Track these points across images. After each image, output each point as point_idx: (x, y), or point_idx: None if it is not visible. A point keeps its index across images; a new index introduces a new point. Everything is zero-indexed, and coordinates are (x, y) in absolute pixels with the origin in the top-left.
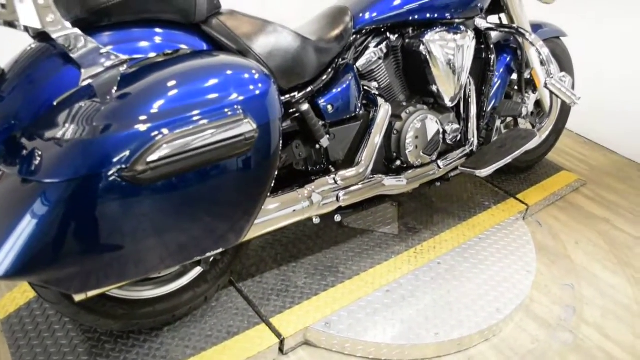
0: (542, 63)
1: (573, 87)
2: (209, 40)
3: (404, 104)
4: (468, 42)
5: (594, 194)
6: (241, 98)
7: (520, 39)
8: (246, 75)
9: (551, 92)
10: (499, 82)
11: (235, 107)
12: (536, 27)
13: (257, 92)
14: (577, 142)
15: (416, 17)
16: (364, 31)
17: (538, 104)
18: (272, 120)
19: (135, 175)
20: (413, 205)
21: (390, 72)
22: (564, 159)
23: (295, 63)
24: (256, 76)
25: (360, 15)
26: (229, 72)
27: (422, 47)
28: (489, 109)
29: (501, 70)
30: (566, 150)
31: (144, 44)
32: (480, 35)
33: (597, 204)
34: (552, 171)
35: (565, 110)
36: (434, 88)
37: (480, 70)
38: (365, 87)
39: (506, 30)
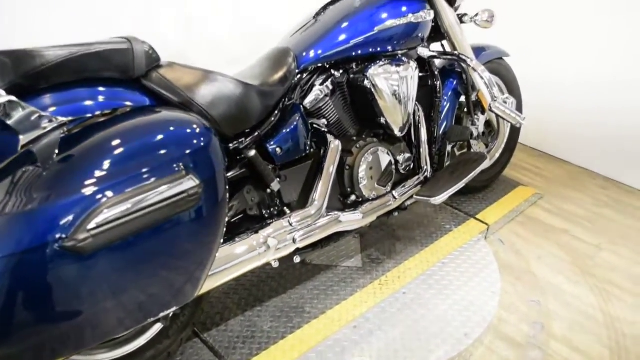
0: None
1: (520, 106)
2: (151, 94)
3: (355, 138)
4: (411, 72)
5: (551, 206)
6: (182, 154)
7: (463, 65)
8: (186, 131)
9: (496, 115)
10: (448, 106)
11: (177, 164)
12: (479, 50)
13: (198, 146)
14: (531, 156)
15: (359, 52)
16: (308, 70)
17: (489, 123)
18: (216, 172)
19: (76, 245)
20: (375, 236)
21: (338, 108)
22: (520, 173)
23: (239, 110)
24: (196, 130)
25: (303, 54)
26: (168, 129)
27: (366, 82)
28: (439, 135)
29: (449, 94)
30: (521, 164)
31: (84, 103)
32: (425, 63)
33: (555, 216)
34: (509, 187)
35: (515, 127)
36: (383, 120)
37: (428, 97)
38: (315, 125)
39: (448, 57)
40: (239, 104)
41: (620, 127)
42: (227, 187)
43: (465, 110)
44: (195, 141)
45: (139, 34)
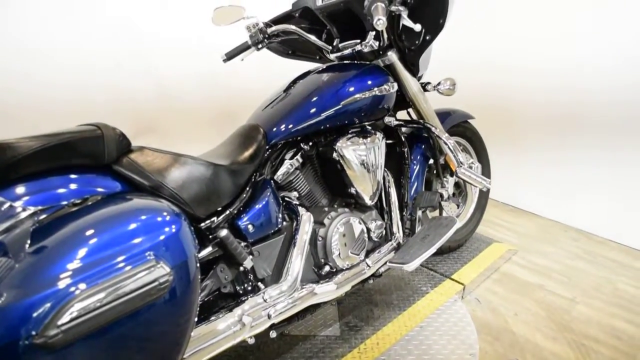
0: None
1: (488, 166)
2: (122, 179)
3: (326, 209)
4: (378, 142)
5: (526, 262)
6: (152, 243)
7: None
8: (156, 218)
9: (462, 180)
10: (417, 170)
11: (147, 253)
12: (445, 115)
13: (169, 233)
14: (503, 211)
15: (327, 125)
16: (278, 145)
17: (458, 184)
18: (187, 257)
19: (47, 342)
20: (353, 302)
21: (309, 180)
22: (493, 229)
23: (209, 191)
24: (166, 217)
25: (273, 130)
26: (137, 218)
27: (335, 154)
28: (410, 200)
29: (418, 159)
30: (494, 220)
31: (56, 191)
32: (392, 131)
33: (530, 271)
34: (483, 245)
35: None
36: (353, 190)
37: (397, 164)
38: (286, 198)
39: (414, 126)
40: (209, 185)
41: (589, 181)
42: (199, 269)
43: (435, 172)
44: (165, 228)
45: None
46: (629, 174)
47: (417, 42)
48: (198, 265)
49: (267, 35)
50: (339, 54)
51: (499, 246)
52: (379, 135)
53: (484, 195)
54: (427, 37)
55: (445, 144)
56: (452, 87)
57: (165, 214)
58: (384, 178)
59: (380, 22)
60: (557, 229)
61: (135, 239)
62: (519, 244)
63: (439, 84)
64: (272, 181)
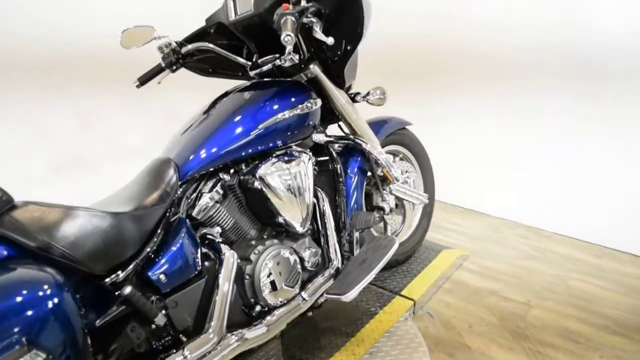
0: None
1: (430, 171)
2: (5, 241)
3: (253, 242)
4: (304, 164)
5: (476, 266)
6: (23, 325)
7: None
8: (31, 295)
9: (397, 197)
10: (354, 186)
11: (16, 338)
12: (380, 123)
13: (46, 310)
14: (452, 213)
15: (248, 151)
16: (193, 178)
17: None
18: (74, 331)
19: None
20: (297, 332)
21: (233, 212)
22: (442, 234)
23: (107, 244)
24: (44, 291)
25: (186, 163)
26: (6, 297)
27: (257, 183)
28: (347, 219)
29: (354, 172)
30: (443, 224)
31: None
32: (323, 148)
33: (481, 277)
34: (433, 254)
35: (430, 191)
36: (281, 219)
37: (331, 182)
38: (208, 236)
39: (343, 141)
40: (107, 237)
41: (533, 174)
42: (87, 340)
43: (374, 185)
44: (42, 305)
45: None
46: (572, 164)
47: (338, 52)
48: (87, 337)
49: (180, 55)
50: (258, 70)
51: (449, 253)
52: (305, 156)
53: (429, 202)
54: (348, 47)
55: (377, 158)
56: (382, 97)
57: (42, 286)
58: (317, 199)
59: (288, 38)
60: (506, 227)
61: (4, 323)
62: (469, 248)
63: (367, 94)
64: (187, 220)
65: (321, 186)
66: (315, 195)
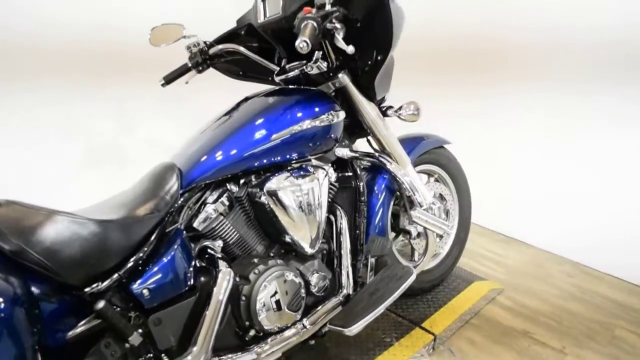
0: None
1: (468, 196)
2: None
3: (255, 260)
4: (319, 180)
5: (512, 302)
6: None
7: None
8: None
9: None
10: (379, 205)
11: None
12: (416, 140)
13: None
14: (493, 241)
15: (262, 162)
16: (198, 187)
17: None
18: (24, 349)
19: None
20: (304, 357)
21: (238, 226)
22: (478, 262)
23: (86, 253)
24: None
25: (191, 170)
26: None
27: (264, 197)
28: (366, 242)
29: (380, 191)
30: (480, 252)
31: None
32: (346, 164)
33: (515, 315)
34: (463, 284)
35: (465, 217)
36: (288, 238)
37: (352, 200)
38: (208, 249)
39: (367, 158)
40: (86, 246)
41: (589, 205)
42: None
43: (402, 206)
44: None
45: None
46: (637, 200)
47: (369, 62)
48: (37, 356)
49: (208, 56)
50: (283, 76)
51: (482, 285)
52: (321, 172)
53: (463, 228)
54: (379, 57)
55: (401, 180)
56: (415, 112)
57: None
58: (335, 218)
59: (303, 44)
60: (551, 262)
61: None
62: (506, 281)
63: (400, 108)
64: (183, 231)
65: (342, 203)
66: (334, 213)
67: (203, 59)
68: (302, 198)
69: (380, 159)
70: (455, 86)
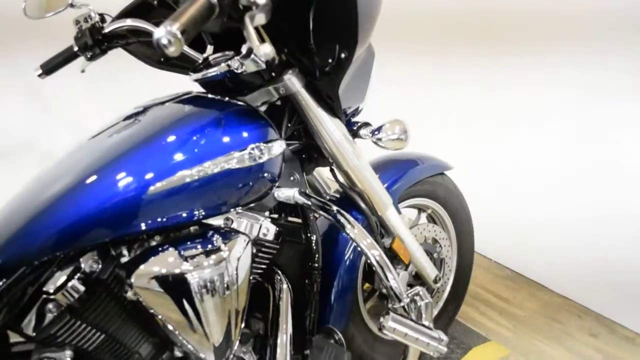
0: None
1: (471, 234)
2: None
3: None
4: (230, 258)
5: None
6: None
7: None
8: None
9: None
10: (342, 269)
11: None
12: (406, 165)
13: None
14: (498, 278)
15: (140, 226)
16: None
17: (418, 275)
18: None
19: None
20: None
21: (104, 323)
22: (479, 312)
23: None
24: None
25: (14, 240)
26: None
27: (130, 292)
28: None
29: (348, 251)
30: (482, 295)
31: None
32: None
33: None
34: (459, 352)
35: (465, 264)
36: (180, 349)
37: (301, 262)
38: None
39: (319, 212)
40: None
41: (624, 247)
42: None
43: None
44: None
45: None
46: None
47: (329, 60)
48: None
49: (101, 37)
50: (200, 74)
51: (483, 351)
52: (239, 241)
53: (461, 281)
54: (342, 55)
55: (368, 254)
56: (402, 137)
57: None
58: (273, 287)
59: None
60: (570, 314)
61: None
62: (512, 341)
63: (379, 129)
64: None
65: (285, 266)
66: (271, 280)
67: (95, 40)
68: (201, 289)
69: (339, 217)
70: (462, 65)
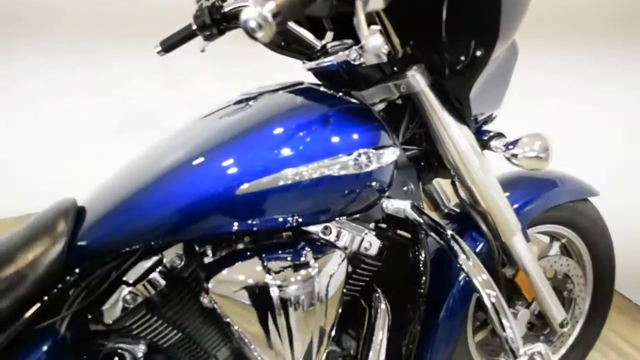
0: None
1: (612, 279)
2: None
3: None
4: (320, 276)
5: None
6: None
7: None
8: None
9: None
10: (454, 304)
11: None
12: (541, 185)
13: None
14: (635, 322)
15: (231, 227)
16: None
17: (541, 314)
18: None
19: None
20: None
21: (180, 321)
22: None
23: None
24: None
25: (97, 225)
26: None
27: (205, 298)
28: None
29: (459, 280)
30: (615, 342)
31: None
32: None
33: None
34: None
35: (600, 312)
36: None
37: (401, 286)
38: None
39: (431, 234)
40: None
41: None
42: None
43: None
44: None
45: None
46: None
47: (461, 57)
48: None
49: (220, 16)
50: (314, 63)
51: None
52: (335, 257)
53: (592, 328)
54: (478, 53)
55: (482, 294)
56: (541, 155)
57: None
58: (370, 306)
59: None
60: None
61: None
62: None
63: (515, 142)
64: (60, 331)
65: (385, 285)
66: (369, 298)
67: (213, 19)
68: (283, 305)
69: (452, 244)
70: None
